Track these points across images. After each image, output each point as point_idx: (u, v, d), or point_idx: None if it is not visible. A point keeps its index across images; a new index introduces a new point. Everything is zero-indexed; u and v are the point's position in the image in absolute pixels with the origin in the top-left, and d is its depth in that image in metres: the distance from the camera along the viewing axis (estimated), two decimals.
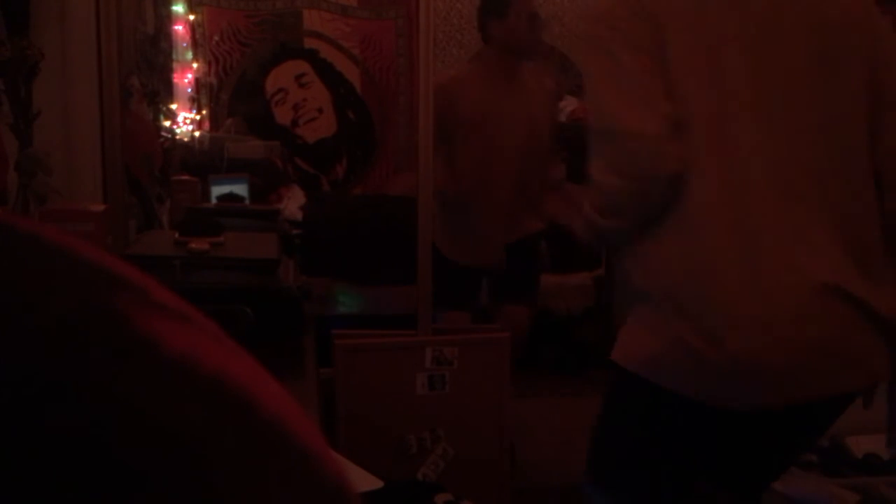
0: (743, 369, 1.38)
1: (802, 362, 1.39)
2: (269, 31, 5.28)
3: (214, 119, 5.17)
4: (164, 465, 0.20)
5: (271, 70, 5.31)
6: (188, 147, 4.32)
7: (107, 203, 2.23)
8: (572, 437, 3.22)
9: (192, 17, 5.05)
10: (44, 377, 0.20)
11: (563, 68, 5.01)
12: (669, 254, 1.44)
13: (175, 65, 4.52)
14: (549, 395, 3.52)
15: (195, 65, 5.07)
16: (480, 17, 3.22)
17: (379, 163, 5.46)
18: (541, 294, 3.52)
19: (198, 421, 0.21)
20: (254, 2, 5.25)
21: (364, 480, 1.41)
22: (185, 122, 4.57)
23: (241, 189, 3.46)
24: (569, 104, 4.84)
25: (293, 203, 3.69)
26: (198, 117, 4.98)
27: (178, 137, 4.23)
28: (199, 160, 3.99)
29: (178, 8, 4.67)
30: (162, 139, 3.74)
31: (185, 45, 4.86)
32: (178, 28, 4.67)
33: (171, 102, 4.30)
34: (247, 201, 3.39)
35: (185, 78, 4.78)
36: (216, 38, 5.21)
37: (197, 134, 4.68)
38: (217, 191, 3.40)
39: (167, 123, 4.06)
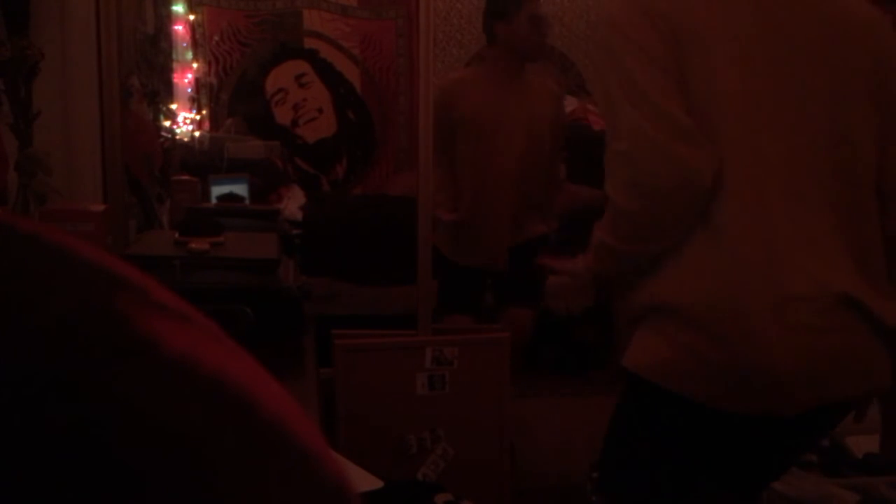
0: (758, 376, 1.39)
1: (816, 370, 1.40)
2: (269, 31, 5.28)
3: (214, 119, 5.17)
4: (164, 465, 0.20)
5: (271, 70, 5.31)
6: (188, 147, 4.31)
7: (107, 203, 2.23)
8: (572, 437, 3.22)
9: (192, 17, 5.04)
10: (44, 377, 0.20)
11: (564, 68, 5.01)
12: (690, 266, 1.42)
13: (175, 65, 4.52)
14: (549, 395, 3.52)
15: (195, 65, 5.06)
16: (486, 18, 3.23)
17: (379, 163, 5.46)
18: (541, 294, 3.52)
19: (198, 421, 0.21)
20: (254, 2, 5.25)
21: (364, 480, 1.41)
22: (185, 122, 4.57)
23: (241, 189, 3.46)
24: (569, 104, 4.84)
25: (293, 203, 3.69)
26: (198, 117, 4.97)
27: (178, 137, 4.23)
28: (199, 160, 3.99)
29: (178, 8, 4.66)
30: (162, 139, 3.74)
31: (185, 45, 4.85)
32: (178, 28, 4.67)
33: (171, 102, 4.30)
34: (247, 201, 3.39)
35: (185, 78, 4.78)
36: (216, 38, 5.21)
37: (197, 134, 4.68)
38: (217, 191, 3.40)
39: (167, 123, 4.06)
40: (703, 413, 1.44)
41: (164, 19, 4.31)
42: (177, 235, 1.98)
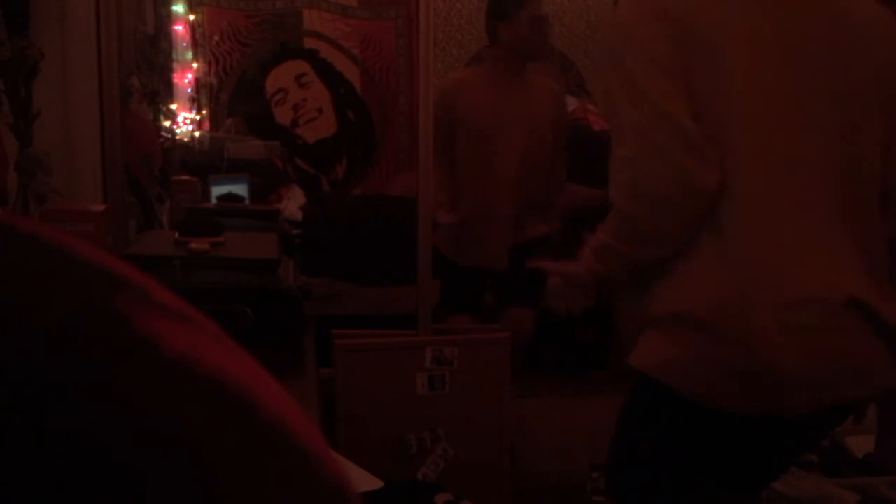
0: (762, 377, 1.39)
1: (822, 371, 1.41)
2: (269, 31, 5.28)
3: (214, 119, 5.16)
4: (164, 466, 0.20)
5: (271, 70, 5.30)
6: (188, 147, 4.31)
7: (107, 203, 2.23)
8: (572, 437, 3.22)
9: (192, 17, 5.04)
10: (44, 377, 0.20)
11: (564, 68, 5.01)
12: (699, 272, 1.42)
13: (175, 65, 4.52)
14: (549, 395, 3.52)
15: (195, 65, 5.06)
16: (488, 18, 3.23)
17: (379, 163, 5.46)
18: (541, 294, 3.52)
19: (198, 421, 0.21)
20: (254, 2, 5.24)
21: (364, 480, 1.41)
22: (185, 122, 4.57)
23: (241, 189, 3.46)
24: (569, 104, 4.83)
25: (293, 203, 3.68)
26: (198, 117, 4.97)
27: (178, 137, 4.23)
28: (199, 160, 3.98)
29: (178, 8, 4.66)
30: (162, 139, 3.74)
31: (185, 45, 4.85)
32: (178, 28, 4.67)
33: (171, 102, 4.30)
34: (247, 201, 3.39)
35: (185, 78, 4.78)
36: (216, 38, 5.21)
37: (197, 134, 4.68)
38: (217, 191, 3.40)
39: (167, 123, 4.06)
40: (704, 413, 1.44)
41: (164, 19, 4.31)
42: (177, 235, 1.98)
